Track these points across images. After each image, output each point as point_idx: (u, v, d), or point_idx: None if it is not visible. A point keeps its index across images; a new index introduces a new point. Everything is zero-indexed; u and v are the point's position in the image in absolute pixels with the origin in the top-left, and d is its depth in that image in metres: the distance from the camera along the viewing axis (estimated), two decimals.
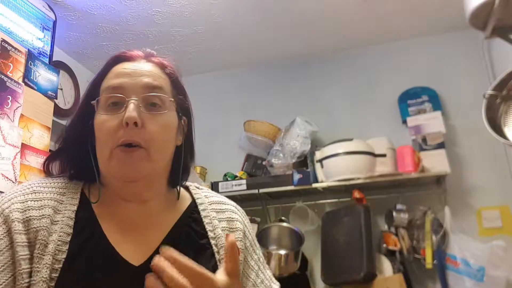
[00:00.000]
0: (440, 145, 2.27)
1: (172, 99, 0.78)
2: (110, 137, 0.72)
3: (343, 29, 2.58)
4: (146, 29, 2.46)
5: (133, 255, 0.71)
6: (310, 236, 2.43)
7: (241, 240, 0.83)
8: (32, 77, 1.84)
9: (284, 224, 2.37)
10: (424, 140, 2.30)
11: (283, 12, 2.37)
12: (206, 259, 0.76)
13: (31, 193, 0.72)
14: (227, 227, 0.83)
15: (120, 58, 0.79)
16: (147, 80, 0.75)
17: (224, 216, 0.84)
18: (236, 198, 2.43)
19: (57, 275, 0.65)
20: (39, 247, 0.66)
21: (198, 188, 0.90)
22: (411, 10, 2.40)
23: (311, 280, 2.41)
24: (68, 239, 0.68)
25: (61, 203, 0.72)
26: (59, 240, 0.67)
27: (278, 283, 0.89)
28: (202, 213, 0.82)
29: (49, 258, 0.65)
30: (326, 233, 2.31)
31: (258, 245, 0.90)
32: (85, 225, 0.72)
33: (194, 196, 0.86)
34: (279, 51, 2.81)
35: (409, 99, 2.53)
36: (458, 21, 2.36)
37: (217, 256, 0.77)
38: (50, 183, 0.76)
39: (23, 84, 1.78)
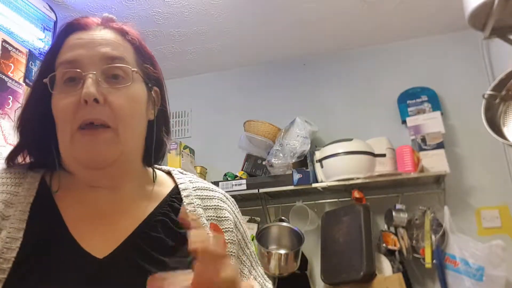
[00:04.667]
0: (440, 145, 2.28)
1: (136, 69, 0.68)
2: (69, 118, 0.63)
3: (343, 29, 2.59)
4: (146, 29, 2.47)
5: (97, 247, 0.63)
6: (310, 235, 2.43)
7: (231, 231, 0.74)
8: (33, 77, 1.85)
9: (284, 223, 2.38)
10: (424, 140, 2.31)
11: (283, 12, 2.38)
12: (185, 251, 0.65)
13: None
14: (214, 216, 0.74)
15: (73, 27, 0.69)
16: (105, 50, 0.66)
17: (211, 204, 0.75)
18: (236, 198, 2.41)
19: (5, 276, 0.56)
20: None
21: (182, 173, 0.81)
22: (411, 10, 2.40)
23: (311, 280, 2.41)
24: (20, 234, 0.60)
25: (16, 195, 0.64)
26: (7, 238, 0.59)
27: (270, 281, 0.81)
28: (185, 200, 0.73)
29: None
30: (325, 233, 2.32)
31: (249, 238, 0.81)
32: (44, 218, 0.64)
33: (177, 181, 0.77)
34: (279, 51, 2.81)
35: (408, 99, 2.54)
36: (458, 21, 2.37)
37: None
38: (5, 174, 0.68)
39: (24, 84, 1.78)
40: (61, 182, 0.68)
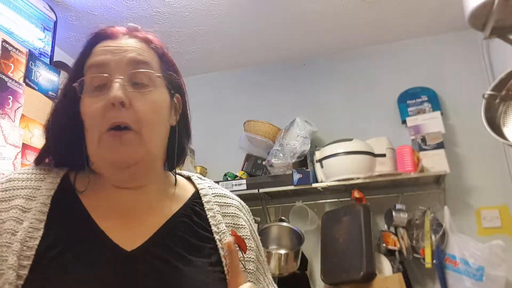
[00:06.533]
0: (440, 145, 2.28)
1: (159, 75, 0.73)
2: (97, 121, 0.67)
3: (343, 29, 2.59)
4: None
5: (126, 240, 0.66)
6: (310, 235, 2.44)
7: (249, 239, 0.78)
8: (33, 78, 1.85)
9: (284, 223, 2.38)
10: (424, 140, 2.31)
11: (283, 12, 2.38)
12: (207, 252, 0.71)
13: (6, 182, 0.69)
14: (231, 223, 0.78)
15: (101, 36, 0.73)
16: (131, 55, 0.70)
17: (228, 211, 0.79)
18: None
19: (29, 262, 0.60)
20: (6, 236, 0.62)
21: (201, 178, 0.85)
22: (411, 10, 2.41)
23: (311, 280, 2.42)
24: (41, 225, 0.64)
25: (38, 189, 0.69)
26: (30, 227, 0.64)
27: None
28: (206, 206, 0.77)
29: (17, 245, 0.61)
30: (325, 233, 2.32)
31: (261, 245, 0.85)
32: (68, 212, 0.68)
33: (198, 186, 0.81)
34: (279, 51, 2.81)
35: (408, 99, 2.54)
36: (458, 21, 2.37)
37: (221, 252, 0.72)
38: (31, 170, 0.73)
39: (24, 84, 1.78)
40: (87, 182, 0.72)
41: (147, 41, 0.75)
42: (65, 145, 0.74)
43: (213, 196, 0.80)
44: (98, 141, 0.68)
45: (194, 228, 0.73)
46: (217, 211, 0.77)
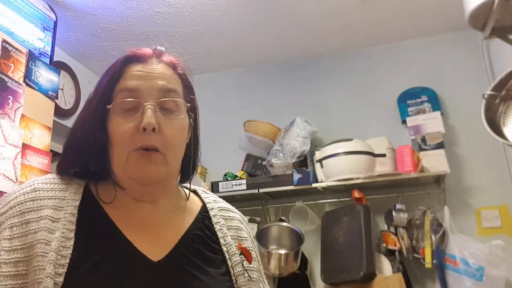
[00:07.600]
0: (440, 145, 2.28)
1: (184, 101, 0.78)
2: (127, 141, 0.72)
3: (343, 30, 2.59)
4: (147, 29, 2.47)
5: (150, 251, 0.72)
6: (310, 235, 2.43)
7: (252, 250, 0.85)
8: (33, 77, 1.85)
9: (284, 223, 2.38)
10: (424, 140, 2.31)
11: (283, 13, 2.38)
12: (218, 264, 0.78)
13: (31, 192, 0.72)
14: (235, 235, 0.84)
15: (131, 58, 0.78)
16: (162, 83, 0.75)
17: (232, 224, 0.86)
18: (236, 198, 2.44)
19: (64, 270, 0.64)
20: (40, 247, 0.65)
21: (206, 192, 0.92)
22: (411, 10, 2.41)
23: (311, 280, 2.42)
24: (71, 235, 0.68)
25: (63, 200, 0.72)
26: (62, 237, 0.67)
27: None
28: (213, 219, 0.84)
29: (52, 255, 0.65)
30: (325, 233, 2.32)
31: (258, 254, 0.91)
32: (95, 222, 0.72)
33: (204, 200, 0.88)
34: (279, 51, 2.81)
35: (408, 99, 2.54)
36: (458, 21, 2.37)
37: (229, 263, 0.79)
38: (52, 180, 0.76)
39: (24, 84, 1.78)
40: (109, 194, 0.77)
41: (173, 67, 0.80)
42: (89, 157, 0.78)
43: (219, 210, 0.87)
44: (125, 159, 0.73)
45: (207, 241, 0.80)
46: (223, 224, 0.84)
